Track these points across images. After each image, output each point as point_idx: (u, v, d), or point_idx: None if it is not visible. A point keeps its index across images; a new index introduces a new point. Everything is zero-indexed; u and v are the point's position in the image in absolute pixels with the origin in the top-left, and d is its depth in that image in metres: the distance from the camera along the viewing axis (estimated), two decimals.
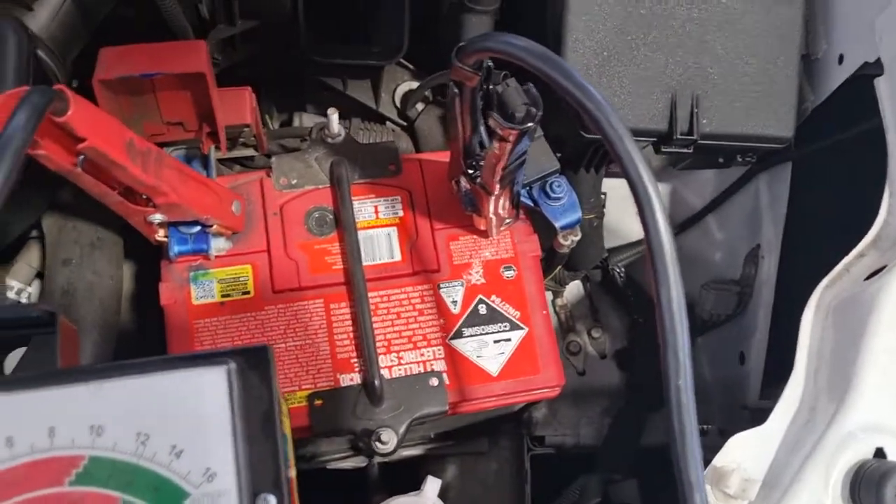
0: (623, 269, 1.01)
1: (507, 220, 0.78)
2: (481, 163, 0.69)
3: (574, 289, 1.04)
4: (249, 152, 0.86)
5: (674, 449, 0.49)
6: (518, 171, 0.67)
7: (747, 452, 0.63)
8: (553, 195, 0.78)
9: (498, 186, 0.67)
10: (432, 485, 0.60)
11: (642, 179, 0.50)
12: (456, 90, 0.62)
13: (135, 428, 0.42)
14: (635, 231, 1.02)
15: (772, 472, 0.63)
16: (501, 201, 0.72)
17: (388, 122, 0.94)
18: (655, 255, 0.50)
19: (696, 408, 0.49)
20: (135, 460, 0.42)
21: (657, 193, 0.50)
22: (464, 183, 0.74)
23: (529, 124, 0.57)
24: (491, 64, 0.58)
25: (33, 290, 0.83)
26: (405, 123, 0.95)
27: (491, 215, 0.73)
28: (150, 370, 0.43)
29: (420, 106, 0.94)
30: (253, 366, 0.44)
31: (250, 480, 0.42)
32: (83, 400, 0.42)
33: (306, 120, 0.97)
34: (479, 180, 0.68)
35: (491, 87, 0.59)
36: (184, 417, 0.43)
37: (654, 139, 0.82)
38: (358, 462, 0.92)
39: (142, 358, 0.44)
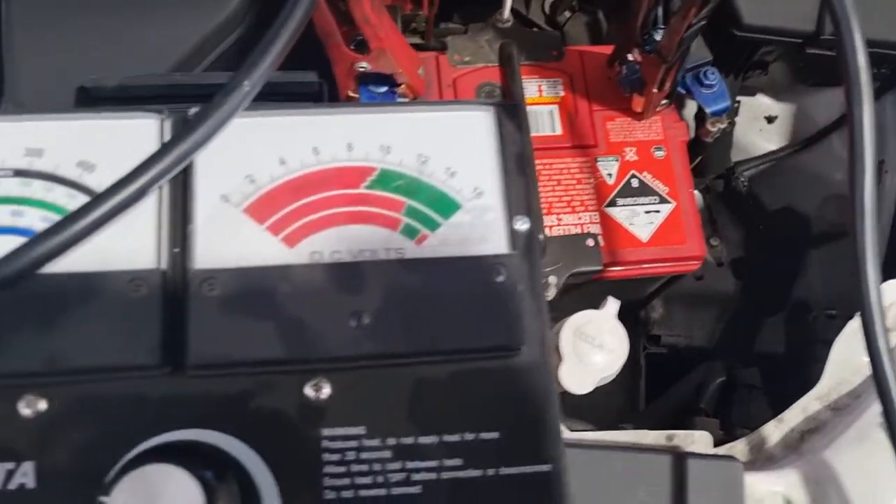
0: (747, 180, 1.07)
1: (663, 102, 0.85)
2: (655, 36, 0.77)
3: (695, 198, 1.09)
4: (416, 40, 0.94)
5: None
6: (693, 40, 0.74)
7: None
8: (706, 82, 0.85)
9: (674, 52, 0.73)
10: (612, 305, 0.65)
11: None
12: None
13: (416, 150, 0.50)
14: (759, 147, 1.08)
15: None
16: (666, 76, 0.79)
17: (535, 28, 1.02)
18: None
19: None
20: (417, 174, 0.49)
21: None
22: (634, 57, 0.81)
23: None
24: None
25: None
26: (552, 30, 1.02)
27: (654, 89, 0.80)
28: (433, 108, 0.51)
29: (567, 14, 1.01)
30: (509, 117, 0.52)
31: (510, 202, 0.49)
32: (374, 124, 0.50)
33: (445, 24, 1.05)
34: (655, 46, 0.75)
35: None
36: (457, 146, 0.50)
37: (800, 40, 0.88)
38: None
39: None
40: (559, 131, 0.86)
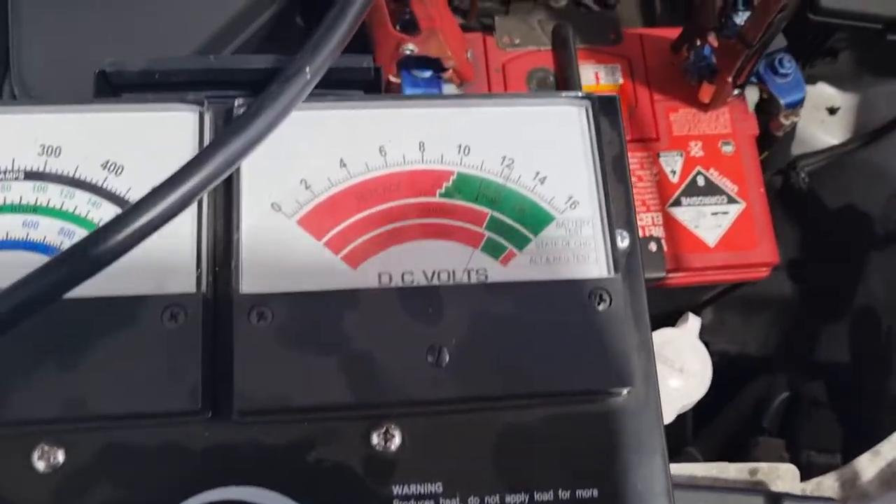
0: (807, 176, 0.99)
1: (735, 92, 0.77)
2: (735, 19, 0.69)
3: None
4: (458, 20, 0.86)
5: None
6: (783, 24, 0.66)
7: None
8: (781, 70, 0.77)
9: (760, 36, 0.66)
10: (694, 322, 0.58)
11: None
12: None
13: (500, 151, 0.42)
14: (820, 141, 1.00)
15: None
16: (746, 64, 0.71)
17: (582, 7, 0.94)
18: None
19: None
20: (501, 180, 0.42)
21: None
22: (708, 41, 0.73)
23: None
24: None
25: None
26: (600, 8, 0.94)
27: (730, 79, 0.72)
28: (516, 102, 0.43)
29: None
30: (605, 112, 0.44)
31: (609, 214, 0.42)
32: (450, 120, 0.42)
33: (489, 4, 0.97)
34: (737, 31, 0.67)
35: None
36: (547, 147, 0.42)
37: (881, 26, 0.80)
38: None
39: None
40: None
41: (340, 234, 0.40)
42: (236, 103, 0.41)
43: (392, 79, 0.74)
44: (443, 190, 0.41)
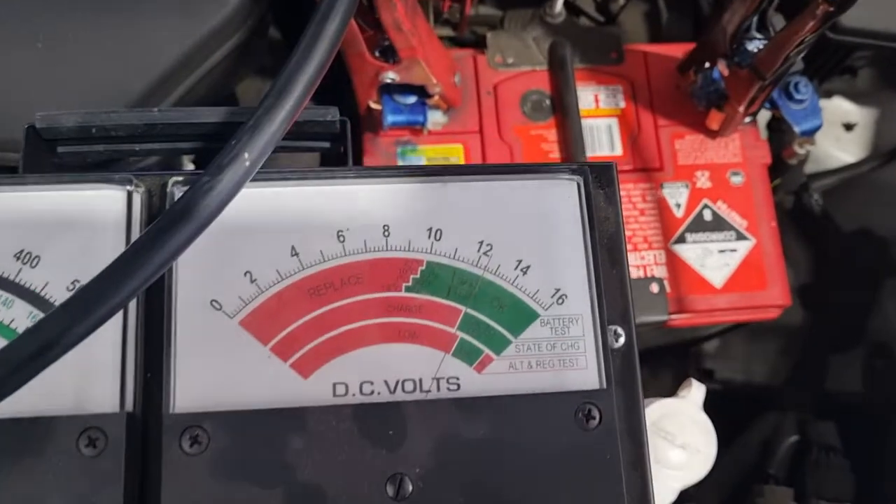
0: (821, 197, 0.93)
1: (747, 120, 0.71)
2: (748, 46, 0.63)
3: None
4: (447, 32, 0.80)
5: None
6: (800, 56, 0.60)
7: None
8: (797, 96, 0.71)
9: (776, 69, 0.60)
10: (698, 392, 0.53)
11: None
12: None
13: (477, 236, 0.37)
14: (835, 159, 0.94)
15: None
16: (758, 95, 0.65)
17: (582, 17, 0.87)
18: None
19: None
20: (478, 272, 0.36)
21: None
22: (718, 69, 0.67)
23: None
24: None
25: None
26: (603, 19, 0.87)
27: (741, 109, 0.66)
28: (496, 175, 0.38)
29: (622, 1, 0.87)
30: (600, 182, 0.38)
31: (602, 307, 0.36)
32: (419, 198, 0.37)
33: (482, 10, 0.91)
34: (750, 62, 0.61)
35: None
36: (532, 231, 0.37)
37: None
38: None
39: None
40: (619, 151, 0.72)
41: (290, 338, 0.34)
42: (170, 182, 0.35)
43: (373, 105, 0.68)
44: (409, 283, 0.36)
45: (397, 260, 0.36)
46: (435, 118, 0.70)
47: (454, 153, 0.71)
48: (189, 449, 0.32)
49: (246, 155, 0.31)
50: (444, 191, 0.37)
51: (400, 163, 0.70)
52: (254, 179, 0.33)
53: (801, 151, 0.73)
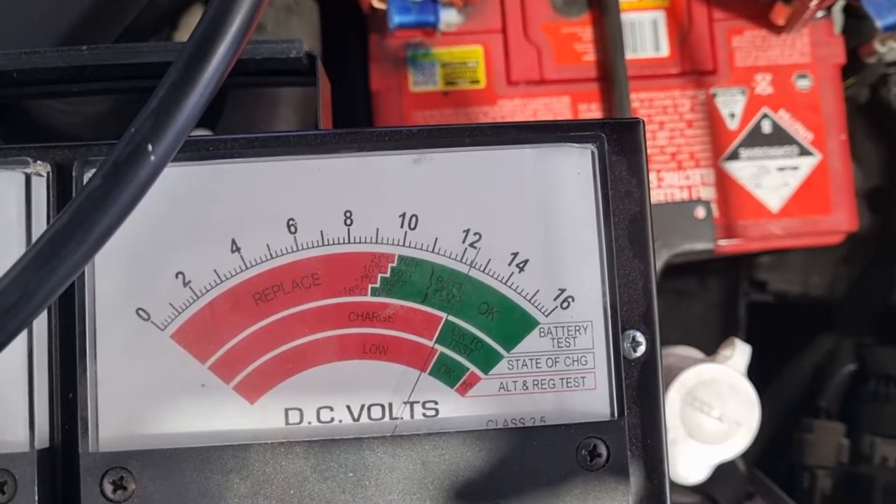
0: None
1: (819, 14, 0.60)
2: None
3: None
4: None
5: None
6: None
7: None
8: None
9: None
10: (741, 353, 0.46)
11: None
12: None
13: (462, 223, 0.29)
14: None
15: None
16: None
17: None
18: None
19: None
20: (463, 268, 0.29)
21: None
22: None
23: None
24: None
25: None
26: None
27: (813, 1, 0.55)
28: (484, 143, 0.30)
29: None
30: (622, 148, 0.30)
31: (617, 308, 0.29)
32: (391, 175, 0.29)
33: None
34: None
35: None
36: (531, 214, 0.29)
37: None
38: None
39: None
40: (665, 51, 0.63)
41: (232, 355, 0.28)
42: (74, 168, 0.28)
43: (376, 4, 0.59)
44: (377, 284, 0.29)
45: (362, 255, 0.29)
46: (449, 17, 0.60)
47: (472, 56, 0.62)
48: (112, 495, 0.27)
49: (150, 147, 0.24)
50: (422, 163, 0.29)
51: (412, 70, 0.61)
52: (182, 155, 0.26)
53: (882, 49, 0.62)
